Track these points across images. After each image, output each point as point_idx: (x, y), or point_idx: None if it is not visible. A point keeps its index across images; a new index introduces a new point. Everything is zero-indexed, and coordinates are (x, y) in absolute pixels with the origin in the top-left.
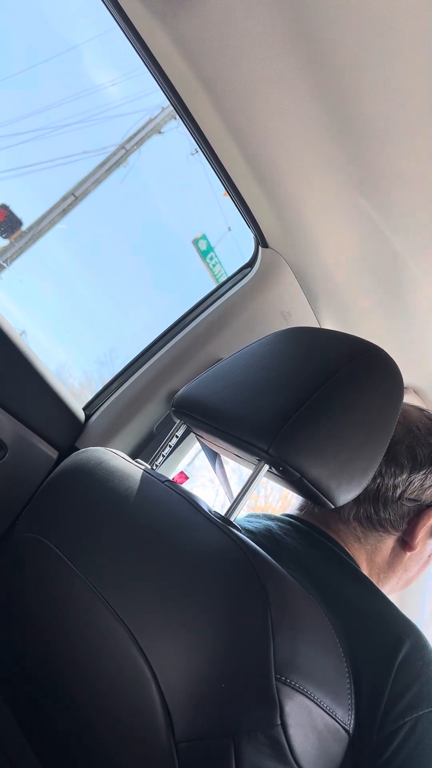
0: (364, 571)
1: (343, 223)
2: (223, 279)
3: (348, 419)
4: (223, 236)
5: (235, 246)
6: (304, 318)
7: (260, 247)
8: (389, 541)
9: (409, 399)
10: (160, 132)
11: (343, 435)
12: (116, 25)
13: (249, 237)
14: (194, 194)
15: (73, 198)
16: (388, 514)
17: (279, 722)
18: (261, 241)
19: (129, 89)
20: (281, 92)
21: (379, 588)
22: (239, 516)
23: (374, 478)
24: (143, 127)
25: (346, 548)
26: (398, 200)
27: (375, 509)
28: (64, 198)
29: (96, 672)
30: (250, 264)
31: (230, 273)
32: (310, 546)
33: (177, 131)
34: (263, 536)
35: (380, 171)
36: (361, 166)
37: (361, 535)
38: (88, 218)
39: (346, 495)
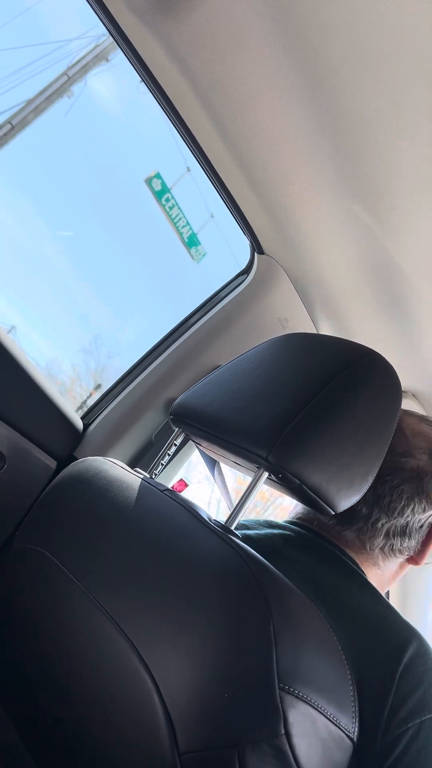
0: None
1: (338, 228)
2: (181, 223)
3: (347, 425)
4: (181, 177)
5: (195, 188)
6: (301, 324)
7: (256, 254)
8: (399, 560)
9: (407, 403)
10: (107, 60)
11: (342, 440)
12: (112, 38)
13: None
14: (147, 131)
15: (10, 127)
16: (407, 542)
17: (283, 732)
18: (257, 247)
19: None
20: (275, 98)
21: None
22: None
23: (406, 516)
24: (88, 53)
25: (361, 566)
26: (395, 205)
27: (401, 541)
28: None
29: (97, 683)
30: (246, 271)
31: (189, 217)
32: (313, 554)
33: (125, 59)
34: (265, 544)
35: (376, 176)
36: (357, 171)
37: (381, 563)
38: (30, 154)
39: (346, 501)
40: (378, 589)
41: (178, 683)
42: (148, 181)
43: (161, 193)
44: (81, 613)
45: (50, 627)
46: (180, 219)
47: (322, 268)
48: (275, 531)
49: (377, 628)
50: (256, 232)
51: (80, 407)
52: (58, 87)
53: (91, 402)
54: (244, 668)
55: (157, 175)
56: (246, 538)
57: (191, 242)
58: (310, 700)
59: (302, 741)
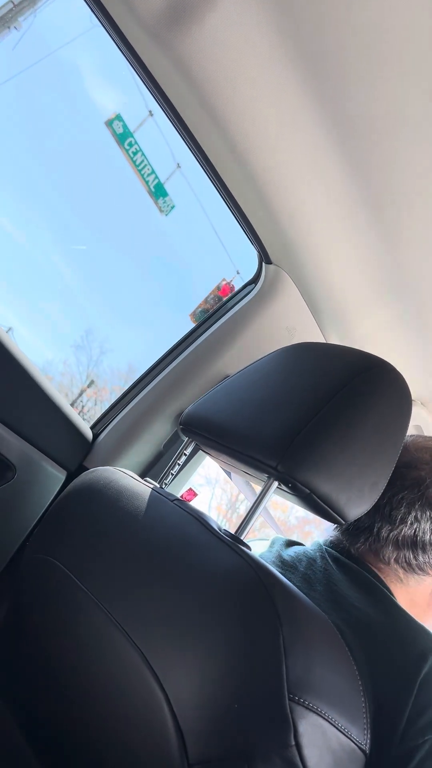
0: (404, 607)
1: (346, 236)
2: (146, 171)
3: (356, 434)
4: (143, 121)
5: (159, 135)
6: (310, 333)
7: (264, 264)
8: (428, 581)
9: (416, 411)
10: None
11: (352, 450)
12: (118, 50)
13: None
14: (104, 70)
15: None
16: (427, 558)
17: (293, 743)
18: (264, 257)
19: None
20: (281, 109)
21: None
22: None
23: (411, 524)
24: None
25: (386, 582)
26: (403, 213)
27: (414, 554)
28: None
29: (107, 693)
30: (254, 280)
31: (153, 163)
32: (338, 569)
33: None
34: (299, 560)
35: (385, 184)
36: (365, 179)
37: (403, 577)
38: None
39: (356, 510)
40: (417, 611)
41: (187, 693)
42: (109, 123)
43: (123, 137)
44: (91, 624)
45: (61, 636)
46: (145, 166)
47: (330, 277)
48: (300, 551)
49: (396, 638)
50: (263, 242)
51: (73, 404)
52: (2, 15)
53: (85, 398)
54: (253, 679)
55: (118, 117)
56: (280, 560)
57: (158, 192)
58: (321, 711)
59: (313, 752)
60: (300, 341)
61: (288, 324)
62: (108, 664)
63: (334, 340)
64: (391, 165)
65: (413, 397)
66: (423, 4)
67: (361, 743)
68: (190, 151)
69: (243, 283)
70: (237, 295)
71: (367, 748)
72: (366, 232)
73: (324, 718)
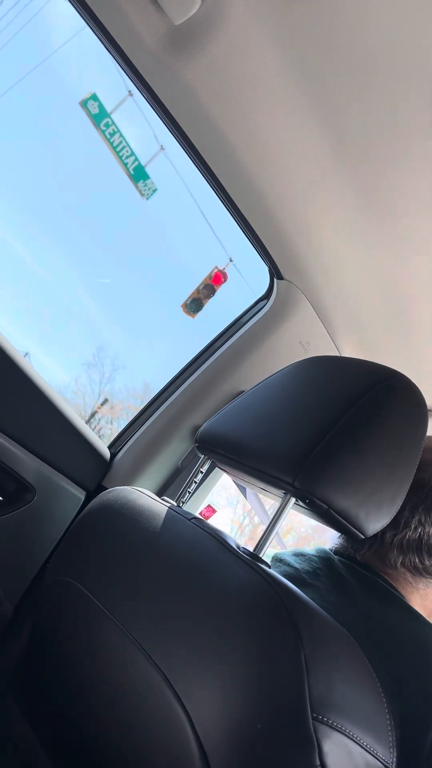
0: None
1: (356, 250)
2: (125, 153)
3: (373, 447)
4: (122, 101)
5: (140, 114)
6: (323, 347)
7: (275, 279)
8: None
9: None
10: None
11: (369, 464)
12: (126, 76)
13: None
14: (78, 47)
15: None
16: None
17: (318, 763)
18: (275, 273)
19: None
20: (288, 128)
21: None
22: (284, 550)
23: (415, 528)
24: None
25: (396, 586)
26: (413, 226)
27: (420, 558)
28: None
29: (130, 715)
30: (266, 296)
31: (133, 146)
32: (350, 577)
33: None
34: (305, 572)
35: (394, 199)
36: (375, 194)
37: (411, 580)
38: None
39: (375, 524)
40: (426, 614)
41: (210, 714)
42: (84, 103)
43: (99, 117)
44: (113, 645)
45: (83, 658)
46: (124, 148)
47: (341, 290)
48: (306, 560)
49: (419, 647)
50: (274, 258)
51: (87, 423)
52: None
53: (99, 416)
54: (275, 699)
55: (94, 97)
56: (287, 565)
57: (138, 175)
58: (345, 730)
59: None
60: (314, 355)
61: (301, 338)
62: (130, 685)
63: (348, 353)
64: (402, 179)
65: (429, 407)
66: (428, 28)
67: (387, 761)
68: (198, 171)
69: (236, 271)
70: (250, 311)
71: (393, 765)
72: (377, 245)
73: (349, 737)
